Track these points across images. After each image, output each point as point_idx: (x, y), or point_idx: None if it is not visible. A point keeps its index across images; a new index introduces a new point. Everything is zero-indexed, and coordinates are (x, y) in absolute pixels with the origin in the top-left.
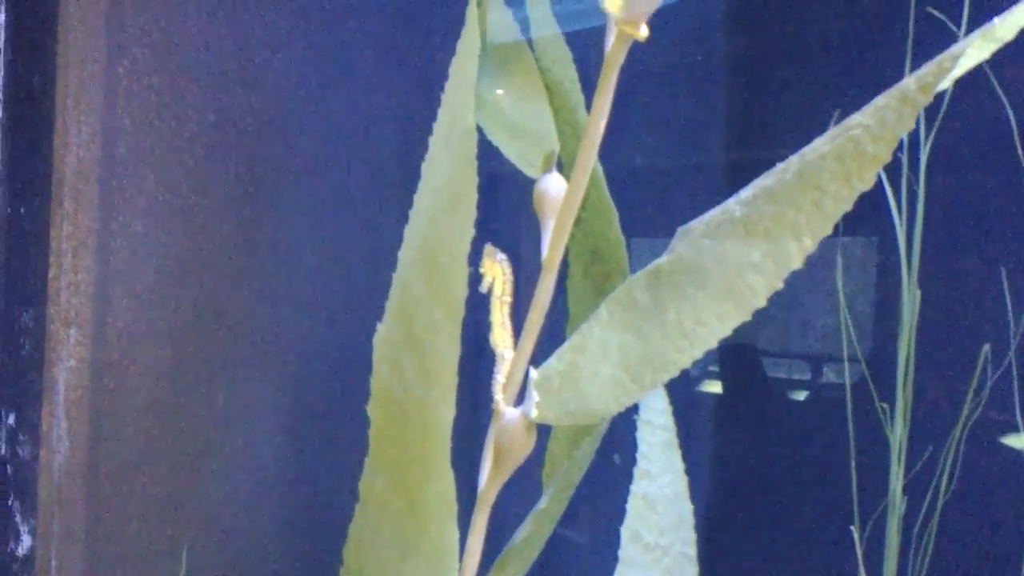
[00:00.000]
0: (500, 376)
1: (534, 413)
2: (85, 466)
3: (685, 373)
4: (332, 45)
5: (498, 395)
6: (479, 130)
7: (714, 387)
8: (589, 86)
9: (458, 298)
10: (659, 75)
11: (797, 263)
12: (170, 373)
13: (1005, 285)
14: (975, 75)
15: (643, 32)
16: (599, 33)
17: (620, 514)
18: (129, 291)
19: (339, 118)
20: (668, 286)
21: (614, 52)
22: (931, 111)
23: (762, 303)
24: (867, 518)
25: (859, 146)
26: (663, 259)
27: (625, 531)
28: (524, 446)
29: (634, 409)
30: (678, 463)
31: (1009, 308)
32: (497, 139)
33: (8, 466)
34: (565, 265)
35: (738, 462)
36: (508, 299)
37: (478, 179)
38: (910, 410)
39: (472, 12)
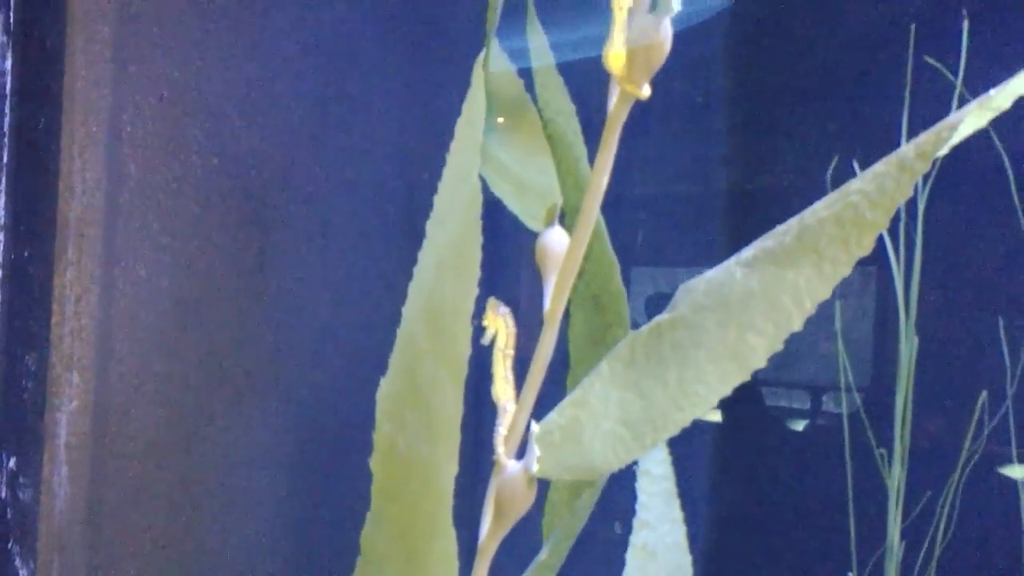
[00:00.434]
0: (502, 429)
1: (535, 467)
2: (85, 510)
3: None
4: (336, 88)
5: (500, 448)
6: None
7: (714, 416)
8: (587, 118)
9: (462, 358)
10: (659, 107)
11: (797, 326)
12: (171, 417)
13: (1002, 334)
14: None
15: (646, 92)
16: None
17: (620, 564)
18: (131, 335)
19: (343, 161)
20: (669, 345)
21: (617, 111)
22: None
23: (762, 364)
24: (867, 559)
25: (858, 212)
26: (664, 316)
27: None
28: (525, 500)
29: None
30: (677, 513)
31: (1007, 356)
32: (501, 191)
33: (8, 509)
34: (567, 314)
35: (736, 498)
36: (511, 352)
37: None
38: (907, 454)
39: (478, 74)
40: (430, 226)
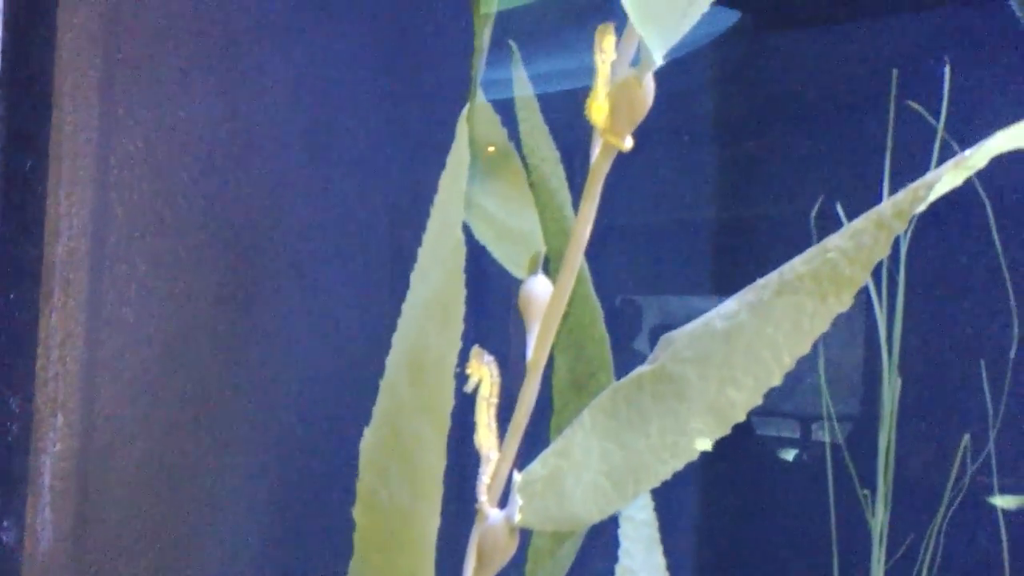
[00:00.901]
0: (485, 478)
1: (517, 517)
2: (69, 553)
3: None
4: (323, 131)
5: (482, 497)
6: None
7: (703, 444)
8: (569, 153)
9: (445, 410)
10: (648, 134)
11: (777, 381)
12: (155, 460)
13: (984, 377)
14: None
15: (628, 144)
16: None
17: None
18: (117, 378)
19: (330, 205)
20: (651, 397)
21: (599, 163)
22: None
23: (742, 418)
24: None
25: (836, 268)
26: (646, 368)
27: None
28: (507, 549)
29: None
30: (659, 559)
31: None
32: (485, 239)
33: None
34: (551, 359)
35: (723, 530)
36: (495, 401)
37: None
38: (891, 495)
39: (462, 128)
40: (414, 277)
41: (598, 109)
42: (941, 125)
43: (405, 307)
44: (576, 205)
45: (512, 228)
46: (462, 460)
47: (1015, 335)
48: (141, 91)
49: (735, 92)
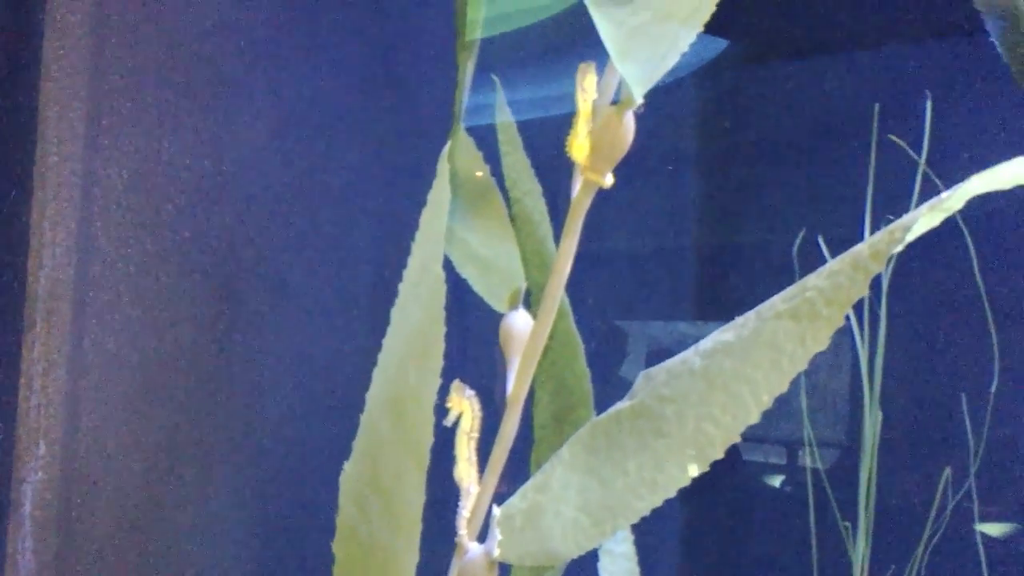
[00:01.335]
0: (465, 511)
1: (496, 552)
2: None
3: None
4: (308, 165)
5: (462, 530)
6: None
7: (683, 480)
8: (553, 185)
9: (424, 446)
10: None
11: (755, 418)
12: (138, 490)
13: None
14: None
15: (608, 180)
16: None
17: None
18: (99, 408)
19: (313, 238)
20: (629, 433)
21: (580, 199)
22: None
23: (720, 455)
24: None
25: (813, 308)
26: (625, 404)
27: None
28: None
29: None
30: None
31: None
32: (466, 273)
33: None
34: (531, 392)
35: (707, 554)
36: (475, 435)
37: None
38: (872, 528)
39: (443, 166)
40: (394, 313)
41: (579, 147)
42: (923, 159)
43: (385, 342)
44: (558, 239)
45: (493, 262)
46: (443, 494)
47: (996, 368)
48: (126, 123)
49: (720, 121)
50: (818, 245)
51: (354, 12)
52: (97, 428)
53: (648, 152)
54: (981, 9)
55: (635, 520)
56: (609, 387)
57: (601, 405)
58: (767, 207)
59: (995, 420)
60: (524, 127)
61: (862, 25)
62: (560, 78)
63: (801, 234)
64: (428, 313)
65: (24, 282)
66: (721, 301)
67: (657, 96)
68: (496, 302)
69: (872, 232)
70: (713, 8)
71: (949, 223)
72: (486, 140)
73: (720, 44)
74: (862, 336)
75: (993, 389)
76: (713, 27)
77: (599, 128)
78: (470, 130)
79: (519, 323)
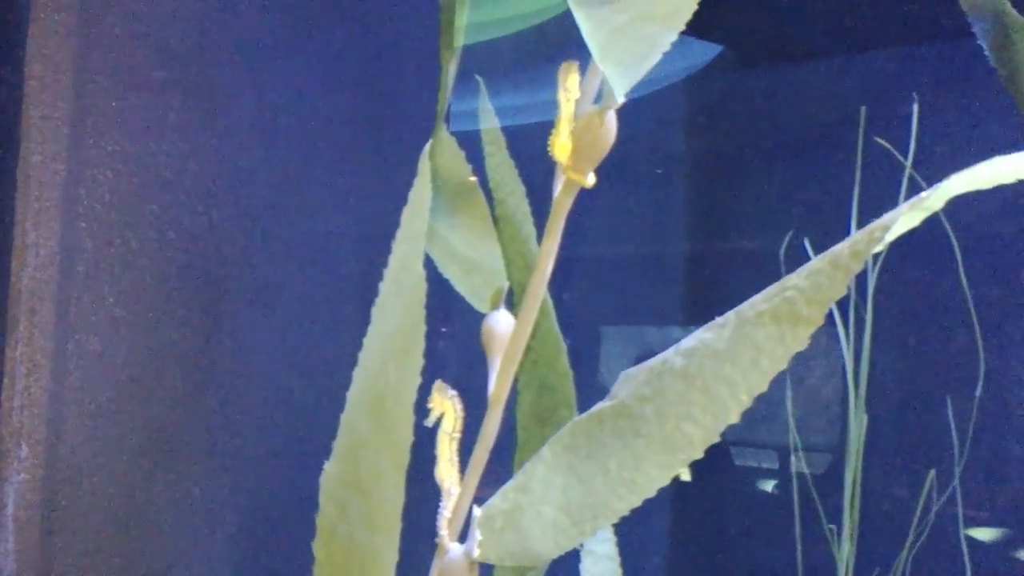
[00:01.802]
0: (446, 512)
1: (476, 552)
2: None
3: None
4: (293, 164)
5: (443, 531)
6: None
7: (684, 474)
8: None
9: (404, 446)
10: (621, 167)
11: (734, 418)
12: (122, 491)
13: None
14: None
15: (590, 180)
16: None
17: None
18: (83, 409)
19: (298, 238)
20: (610, 432)
21: (561, 199)
22: None
23: (699, 455)
24: None
25: (793, 308)
26: (606, 403)
27: None
28: None
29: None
30: None
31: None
32: (448, 273)
33: None
34: (514, 392)
35: (696, 558)
36: (457, 435)
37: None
38: (857, 531)
39: (424, 165)
40: (375, 312)
41: (561, 146)
42: (909, 161)
43: (366, 341)
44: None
45: (476, 262)
46: (424, 494)
47: (982, 371)
48: (110, 122)
49: (710, 125)
50: (806, 250)
51: (339, 13)
52: (81, 429)
53: (640, 156)
54: (968, 12)
55: (615, 520)
56: (597, 393)
57: (585, 406)
58: (758, 210)
59: (980, 423)
60: (510, 132)
61: (850, 30)
62: (545, 85)
63: (788, 236)
64: (408, 312)
65: (7, 282)
66: (711, 305)
67: (649, 101)
68: (478, 302)
69: None
70: (695, 8)
71: (937, 227)
72: (472, 146)
73: (714, 49)
74: (848, 340)
75: (978, 392)
76: (704, 32)
77: (581, 128)
78: (456, 135)
79: (501, 323)
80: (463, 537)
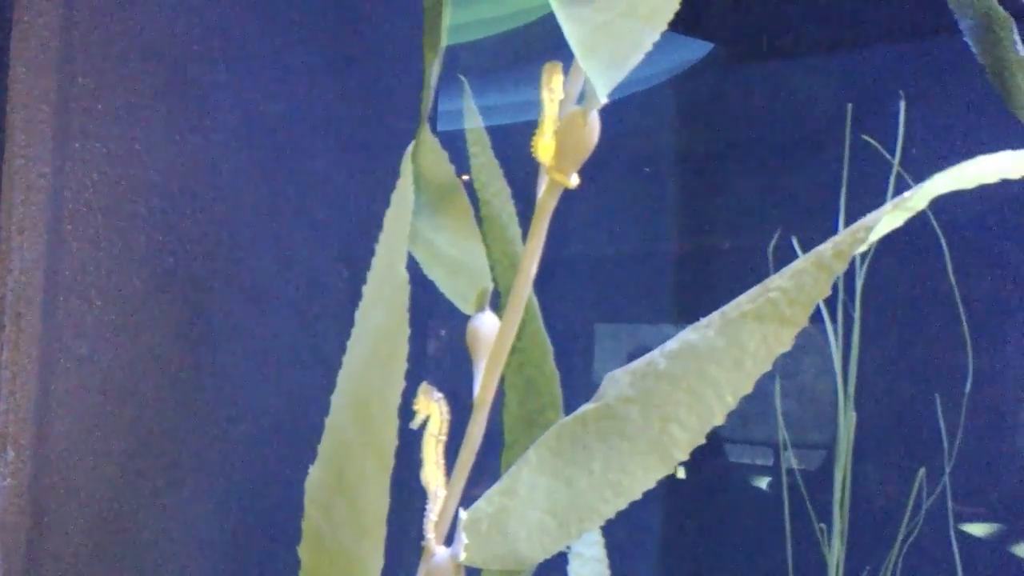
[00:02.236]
0: (432, 515)
1: (462, 556)
2: None
3: None
4: (279, 164)
5: (429, 534)
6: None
7: (678, 472)
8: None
9: (388, 449)
10: (612, 164)
11: (719, 419)
12: (109, 497)
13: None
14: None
15: (574, 181)
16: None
17: None
18: (70, 414)
19: (286, 241)
20: (595, 435)
21: (545, 200)
22: None
23: (685, 457)
24: None
25: (777, 308)
26: (591, 406)
27: None
28: None
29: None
30: None
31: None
32: (433, 275)
33: None
34: (502, 393)
35: (688, 557)
36: (443, 438)
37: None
38: (847, 530)
39: (407, 166)
40: (359, 315)
41: (544, 147)
42: (897, 159)
43: (350, 344)
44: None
45: (460, 264)
46: (411, 497)
47: (971, 369)
48: (95, 124)
49: (701, 122)
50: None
51: (324, 13)
52: (68, 434)
53: (629, 153)
54: (955, 10)
55: (601, 523)
56: (589, 388)
57: (578, 404)
58: (747, 208)
59: (969, 420)
60: (495, 132)
61: (838, 27)
62: (529, 85)
63: (776, 235)
64: (392, 314)
65: None
66: (701, 303)
67: (638, 98)
68: (463, 304)
69: None
70: (677, 8)
71: (926, 224)
72: (457, 146)
73: (704, 47)
74: (836, 338)
75: (967, 390)
76: (693, 29)
77: (564, 128)
78: (442, 136)
79: (486, 325)
80: (449, 540)
